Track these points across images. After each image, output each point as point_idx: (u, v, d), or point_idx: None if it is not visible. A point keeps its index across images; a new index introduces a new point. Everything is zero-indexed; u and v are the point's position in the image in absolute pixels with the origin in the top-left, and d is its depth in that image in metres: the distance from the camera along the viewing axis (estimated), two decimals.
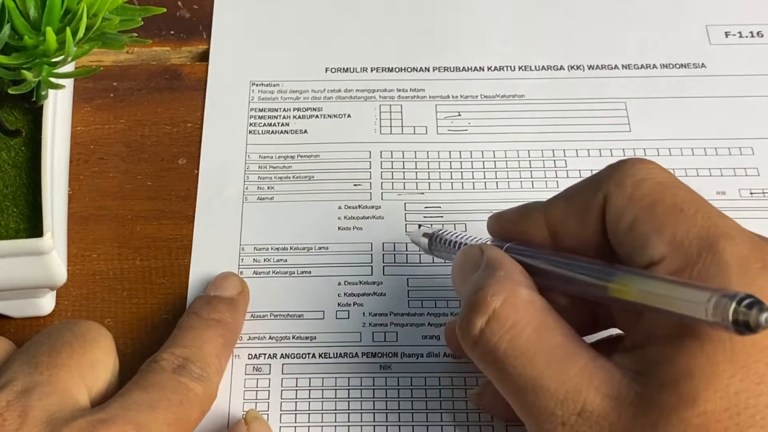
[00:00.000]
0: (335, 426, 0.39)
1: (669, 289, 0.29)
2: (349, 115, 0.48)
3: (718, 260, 0.30)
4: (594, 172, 0.35)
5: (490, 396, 0.38)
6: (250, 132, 0.48)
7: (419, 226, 0.44)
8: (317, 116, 0.48)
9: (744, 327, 0.27)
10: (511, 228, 0.37)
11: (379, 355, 0.41)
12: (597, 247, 0.34)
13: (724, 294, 0.27)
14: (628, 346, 0.32)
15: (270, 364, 0.41)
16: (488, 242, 0.38)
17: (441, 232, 0.40)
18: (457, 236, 0.40)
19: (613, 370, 0.31)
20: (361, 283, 0.43)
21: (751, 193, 0.45)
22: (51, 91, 0.40)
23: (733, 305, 0.27)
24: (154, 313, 0.42)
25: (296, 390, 0.40)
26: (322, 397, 0.40)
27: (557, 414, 0.31)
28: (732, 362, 0.29)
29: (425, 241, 0.41)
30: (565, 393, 0.31)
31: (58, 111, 0.42)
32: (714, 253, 0.30)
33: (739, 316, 0.27)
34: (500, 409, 0.38)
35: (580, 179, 0.35)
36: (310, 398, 0.40)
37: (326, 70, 0.50)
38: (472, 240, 0.39)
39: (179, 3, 0.52)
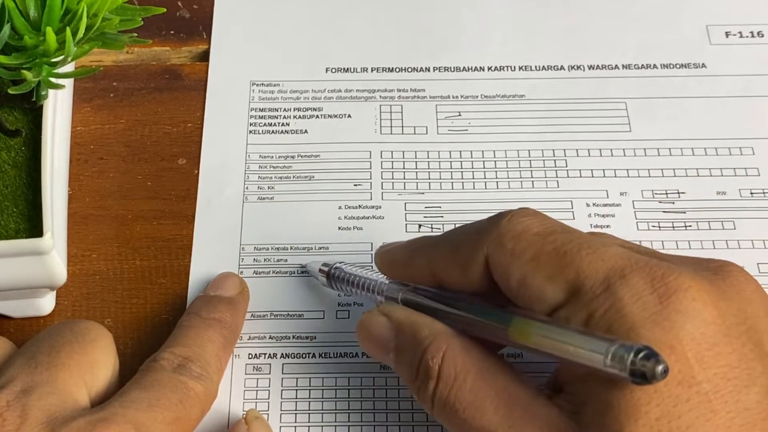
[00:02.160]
0: (335, 426, 0.39)
1: (567, 337, 0.30)
2: (349, 115, 0.48)
3: (613, 298, 0.30)
4: (477, 220, 0.36)
5: None
6: (250, 132, 0.48)
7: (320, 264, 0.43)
8: (317, 116, 0.48)
9: (641, 377, 0.28)
10: (399, 270, 0.38)
11: None
12: (482, 295, 0.35)
13: (622, 345, 0.28)
14: (560, 382, 0.33)
15: (270, 364, 0.41)
16: (383, 283, 0.38)
17: (338, 267, 0.41)
18: (352, 277, 0.40)
19: (551, 410, 0.31)
20: None
21: (751, 193, 0.45)
22: (51, 91, 0.40)
23: (630, 356, 0.28)
24: (154, 313, 0.42)
25: (296, 390, 0.40)
26: (322, 397, 0.40)
27: None
28: (645, 390, 0.29)
29: (323, 278, 0.41)
30: None
31: (58, 111, 0.42)
32: (608, 291, 0.31)
33: (637, 366, 0.28)
34: None
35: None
36: (310, 398, 0.40)
37: (326, 70, 0.50)
38: (368, 282, 0.39)
39: (179, 3, 0.52)
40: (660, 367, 0.27)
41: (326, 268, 0.41)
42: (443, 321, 0.35)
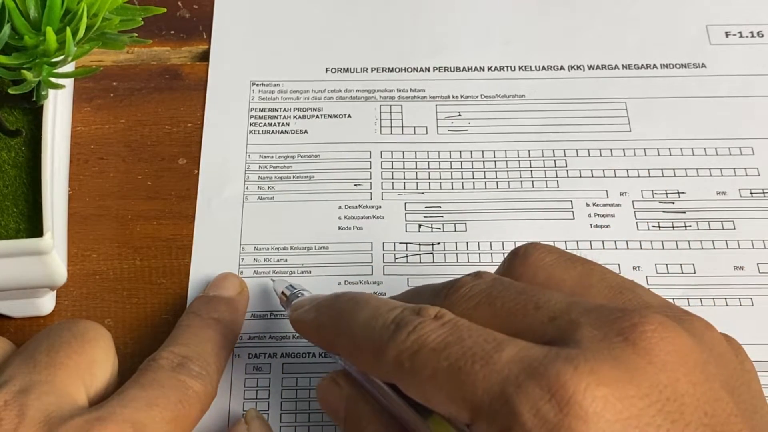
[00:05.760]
0: (335, 426, 0.39)
1: None
2: (349, 115, 0.48)
3: (514, 415, 0.28)
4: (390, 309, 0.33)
5: None
6: (250, 132, 0.48)
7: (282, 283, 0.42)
8: (317, 116, 0.48)
9: None
10: (311, 337, 0.37)
11: None
12: None
13: None
14: None
15: (270, 364, 0.41)
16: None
17: (297, 292, 0.40)
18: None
19: None
20: (361, 282, 0.43)
21: (751, 193, 0.45)
22: (51, 91, 0.40)
23: None
24: (154, 313, 0.42)
25: (296, 390, 0.40)
26: None
27: None
28: None
29: (283, 299, 0.40)
30: None
31: (58, 111, 0.42)
32: (506, 406, 0.28)
33: None
34: None
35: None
36: (310, 398, 0.40)
37: (326, 70, 0.50)
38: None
39: (179, 3, 0.52)
40: None
41: (288, 293, 0.40)
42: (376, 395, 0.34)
